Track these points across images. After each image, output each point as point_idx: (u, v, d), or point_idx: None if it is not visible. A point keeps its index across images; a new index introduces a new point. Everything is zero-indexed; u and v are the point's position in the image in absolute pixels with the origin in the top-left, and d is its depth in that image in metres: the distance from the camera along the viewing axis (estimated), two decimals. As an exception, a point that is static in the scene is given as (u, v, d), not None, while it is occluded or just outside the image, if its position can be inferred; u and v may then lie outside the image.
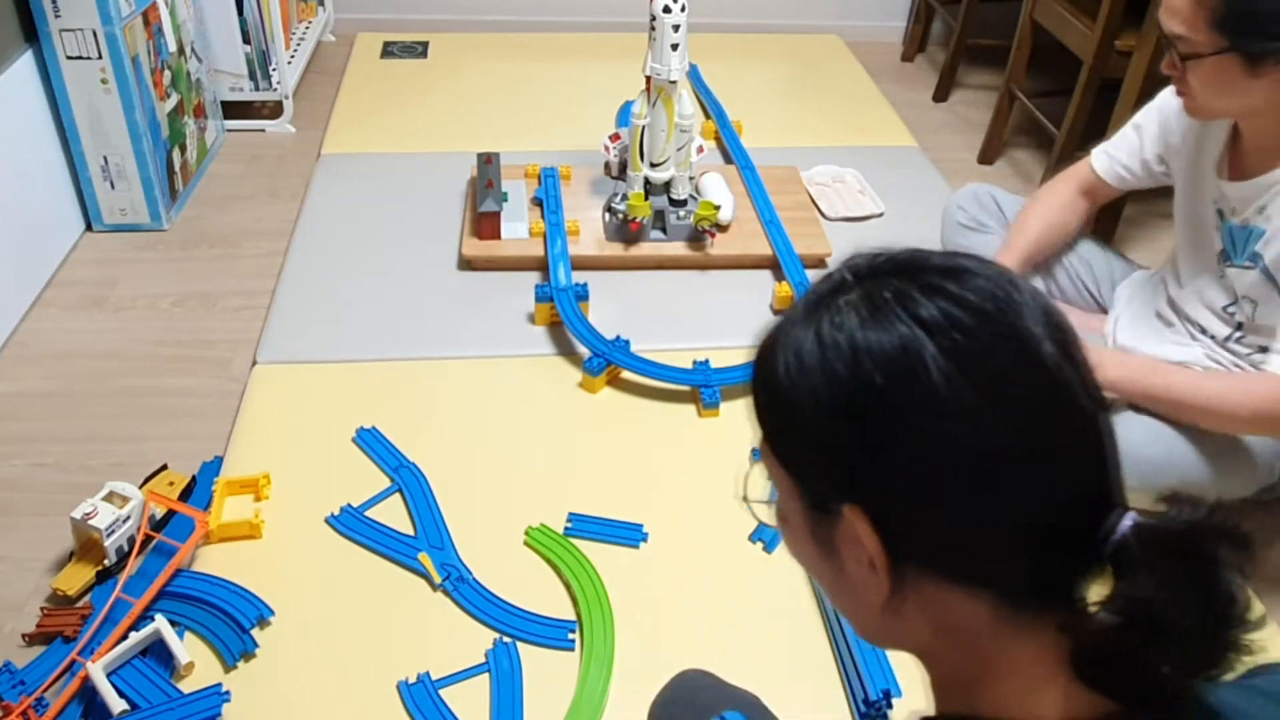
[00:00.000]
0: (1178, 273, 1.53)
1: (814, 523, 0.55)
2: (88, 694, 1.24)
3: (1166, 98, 1.53)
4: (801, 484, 0.55)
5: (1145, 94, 1.80)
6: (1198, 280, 1.47)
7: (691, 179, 2.12)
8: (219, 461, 1.60)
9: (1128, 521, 0.50)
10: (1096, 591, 0.51)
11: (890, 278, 0.53)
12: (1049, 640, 0.52)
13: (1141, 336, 1.54)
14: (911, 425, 0.49)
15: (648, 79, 1.96)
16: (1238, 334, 1.41)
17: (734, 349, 1.85)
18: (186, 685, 1.26)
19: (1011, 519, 0.50)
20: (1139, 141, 1.59)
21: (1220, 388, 1.32)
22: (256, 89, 2.65)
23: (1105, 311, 1.69)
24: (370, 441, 1.64)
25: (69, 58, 1.99)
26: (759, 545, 1.50)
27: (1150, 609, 0.48)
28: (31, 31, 1.97)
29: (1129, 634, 0.49)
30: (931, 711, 0.56)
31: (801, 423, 0.53)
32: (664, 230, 2.12)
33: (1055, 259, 1.73)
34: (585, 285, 1.93)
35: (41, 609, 1.36)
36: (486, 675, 1.30)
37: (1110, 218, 2.26)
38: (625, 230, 2.08)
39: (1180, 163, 1.51)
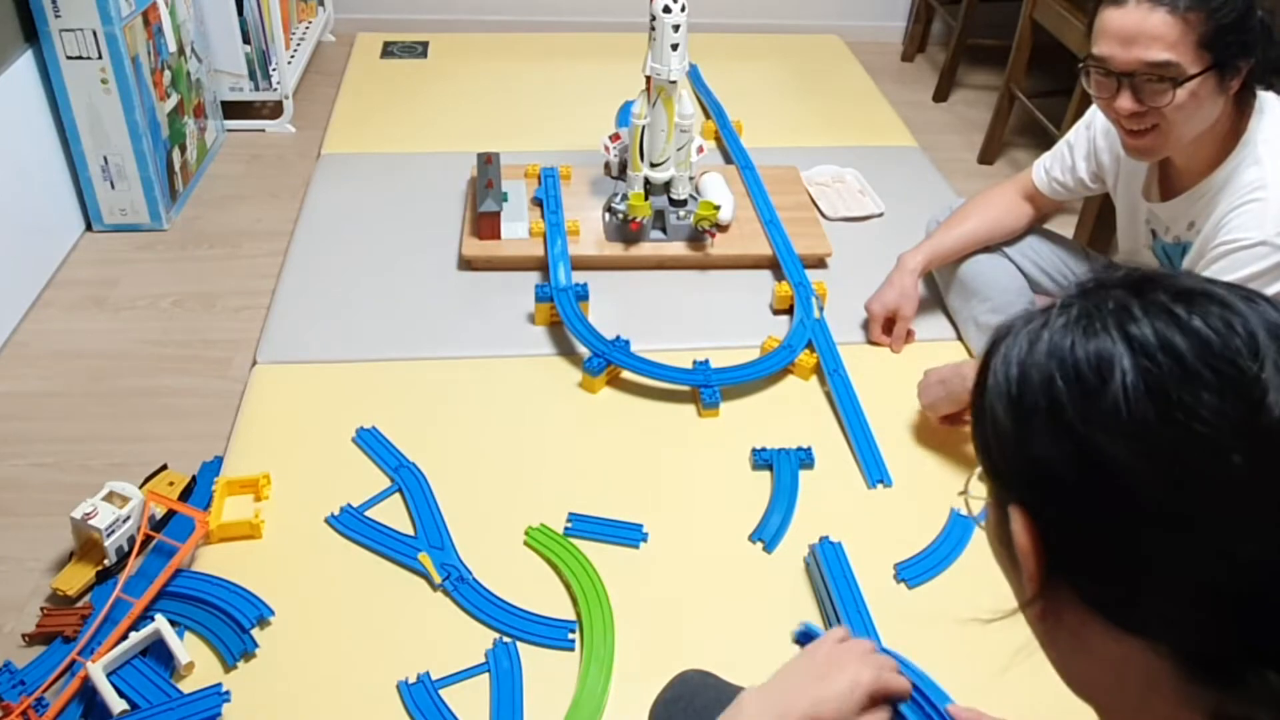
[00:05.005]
0: None
1: (999, 525, 0.54)
2: (88, 694, 1.24)
3: (1095, 118, 1.55)
4: (988, 479, 0.55)
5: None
6: None
7: (691, 179, 2.12)
8: (219, 461, 1.60)
9: None
10: None
11: (1117, 289, 0.51)
12: None
13: None
14: (1077, 435, 0.47)
15: (648, 79, 1.96)
16: None
17: (734, 349, 1.85)
18: (186, 685, 1.26)
19: (1176, 567, 0.46)
20: (1071, 159, 1.62)
21: None
22: (256, 89, 2.65)
23: None
24: (370, 441, 1.64)
25: (69, 58, 1.99)
26: (759, 545, 1.50)
27: None
28: (31, 31, 1.97)
29: None
30: None
31: (991, 415, 0.53)
32: (664, 230, 2.12)
33: (1040, 254, 1.77)
34: (585, 285, 1.93)
35: (41, 609, 1.36)
36: (486, 675, 1.30)
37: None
38: (625, 230, 2.08)
39: (1111, 182, 1.55)
